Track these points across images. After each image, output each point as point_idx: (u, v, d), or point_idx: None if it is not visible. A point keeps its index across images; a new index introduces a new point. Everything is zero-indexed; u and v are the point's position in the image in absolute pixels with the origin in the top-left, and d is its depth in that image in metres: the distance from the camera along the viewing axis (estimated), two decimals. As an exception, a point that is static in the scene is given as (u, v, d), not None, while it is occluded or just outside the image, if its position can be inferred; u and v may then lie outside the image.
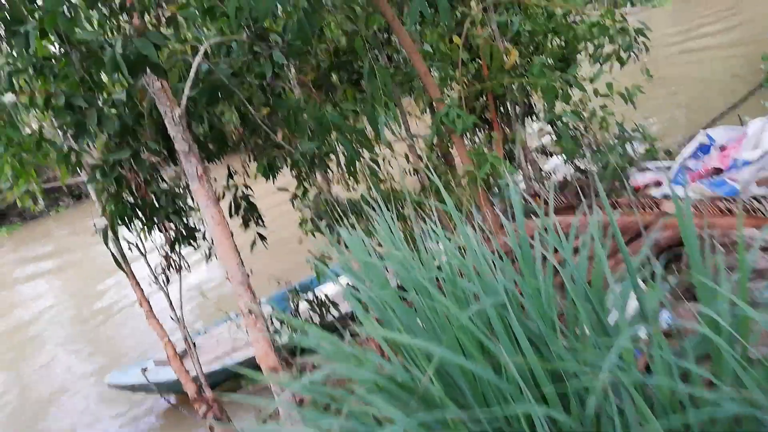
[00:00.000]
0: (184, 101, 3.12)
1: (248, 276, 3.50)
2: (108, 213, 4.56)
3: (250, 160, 5.44)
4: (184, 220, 4.18)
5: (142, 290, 5.02)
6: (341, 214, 5.01)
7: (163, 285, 5.05)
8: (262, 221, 5.41)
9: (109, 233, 4.62)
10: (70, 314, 12.65)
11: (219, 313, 9.39)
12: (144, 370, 7.28)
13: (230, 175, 5.18)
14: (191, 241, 4.26)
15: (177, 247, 4.34)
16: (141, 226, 4.81)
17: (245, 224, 5.25)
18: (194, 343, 5.54)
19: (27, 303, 14.06)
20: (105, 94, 3.59)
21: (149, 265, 4.99)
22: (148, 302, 5.04)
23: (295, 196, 5.54)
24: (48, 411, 8.67)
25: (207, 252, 5.24)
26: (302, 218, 6.02)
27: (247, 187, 5.27)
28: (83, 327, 11.71)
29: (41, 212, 21.31)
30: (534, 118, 6.78)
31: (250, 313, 3.42)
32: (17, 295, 15.14)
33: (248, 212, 5.25)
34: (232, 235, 3.41)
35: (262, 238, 5.53)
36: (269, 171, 4.02)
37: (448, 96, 5.29)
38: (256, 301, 3.50)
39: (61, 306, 13.33)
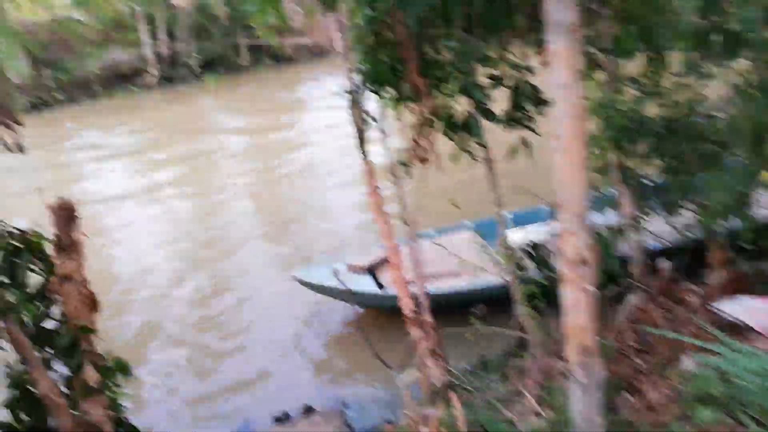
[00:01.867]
0: None
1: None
2: (360, 72, 3.50)
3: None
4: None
5: (374, 179, 4.03)
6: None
7: (397, 176, 4.04)
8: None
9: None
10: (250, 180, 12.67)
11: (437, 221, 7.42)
12: (336, 272, 6.29)
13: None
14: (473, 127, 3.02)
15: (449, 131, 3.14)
16: (393, 97, 3.73)
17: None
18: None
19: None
20: None
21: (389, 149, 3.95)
22: (379, 194, 4.06)
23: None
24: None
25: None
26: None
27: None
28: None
29: (244, 67, 21.90)
30: None
31: (583, 264, 2.17)
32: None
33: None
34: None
35: (525, 143, 4.18)
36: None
37: None
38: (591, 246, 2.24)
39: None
